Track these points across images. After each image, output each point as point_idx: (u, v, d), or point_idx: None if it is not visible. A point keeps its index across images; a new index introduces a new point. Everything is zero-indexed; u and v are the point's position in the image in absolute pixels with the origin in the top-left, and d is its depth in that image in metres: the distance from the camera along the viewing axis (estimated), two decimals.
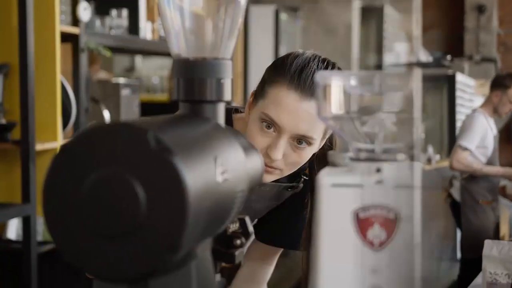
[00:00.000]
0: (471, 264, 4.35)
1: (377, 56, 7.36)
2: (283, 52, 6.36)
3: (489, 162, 4.45)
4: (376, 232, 0.70)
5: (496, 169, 4.49)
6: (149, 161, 0.63)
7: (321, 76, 0.73)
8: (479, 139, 4.37)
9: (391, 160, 0.72)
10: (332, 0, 5.44)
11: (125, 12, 3.10)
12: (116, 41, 3.09)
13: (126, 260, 0.64)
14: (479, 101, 8.36)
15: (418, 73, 0.71)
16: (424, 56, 5.64)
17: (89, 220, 0.64)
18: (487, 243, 1.99)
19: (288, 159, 1.29)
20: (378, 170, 0.71)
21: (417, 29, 5.50)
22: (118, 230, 0.63)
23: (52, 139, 2.56)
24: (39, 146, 2.47)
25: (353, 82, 0.73)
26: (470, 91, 7.48)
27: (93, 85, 3.16)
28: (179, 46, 0.85)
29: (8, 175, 2.53)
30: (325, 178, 0.71)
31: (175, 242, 0.63)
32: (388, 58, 5.24)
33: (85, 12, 2.71)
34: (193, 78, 0.82)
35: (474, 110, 4.62)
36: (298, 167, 1.32)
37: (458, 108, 6.94)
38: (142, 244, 0.63)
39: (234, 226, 0.91)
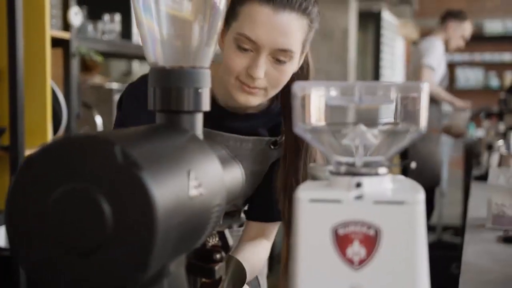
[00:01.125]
0: None
1: (375, 60, 7.37)
2: None
3: (440, 85, 4.53)
4: (355, 249, 0.67)
5: (450, 97, 4.59)
6: (116, 176, 0.60)
7: (299, 86, 0.71)
8: (438, 61, 4.43)
9: (372, 175, 0.69)
10: (329, 5, 5.42)
11: (117, 16, 3.08)
12: (108, 46, 3.06)
13: (93, 277, 0.61)
14: (400, 41, 8.54)
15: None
16: None
17: (54, 235, 0.61)
18: (493, 171, 1.88)
19: (270, 77, 1.26)
20: (358, 185, 0.69)
21: None
22: (84, 247, 0.61)
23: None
24: (28, 152, 2.43)
25: (333, 93, 0.71)
26: (393, 31, 7.64)
27: (86, 91, 3.14)
28: (156, 54, 0.82)
29: None
30: (304, 192, 0.68)
31: (144, 260, 0.60)
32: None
33: (76, 17, 2.68)
34: (170, 88, 0.80)
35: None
36: (281, 86, 1.29)
37: (382, 47, 7.12)
38: (109, 261, 0.60)
39: (213, 240, 0.88)
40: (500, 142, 3.16)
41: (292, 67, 1.27)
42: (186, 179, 0.67)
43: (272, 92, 1.28)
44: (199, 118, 0.82)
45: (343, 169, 0.70)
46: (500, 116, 4.22)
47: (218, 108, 1.37)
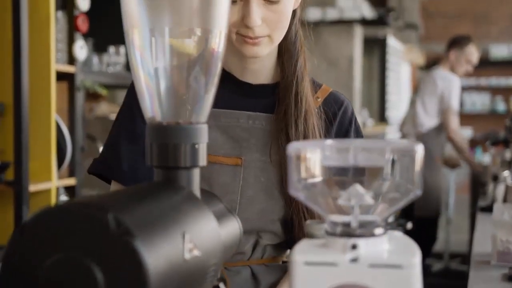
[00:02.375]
0: (423, 222, 4.36)
1: (380, 86, 7.39)
2: None
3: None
4: None
5: (472, 160, 4.62)
6: (109, 244, 0.60)
7: (293, 147, 0.71)
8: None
9: (368, 236, 0.69)
10: (334, 33, 5.44)
11: (123, 49, 3.10)
12: (113, 78, 3.08)
13: None
14: (405, 66, 8.58)
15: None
16: (368, 12, 5.66)
17: None
18: (497, 207, 1.85)
19: (269, 21, 1.18)
20: (354, 247, 0.68)
21: None
22: None
23: (47, 179, 2.53)
24: (33, 187, 2.44)
25: (327, 153, 0.71)
26: (398, 56, 7.67)
27: (91, 122, 3.15)
28: (153, 110, 0.82)
29: (1, 216, 2.50)
30: (299, 255, 0.68)
31: None
32: (331, 13, 5.27)
33: (81, 50, 2.70)
34: (167, 144, 0.80)
35: (430, 70, 4.87)
36: (284, 27, 1.21)
37: (387, 73, 7.16)
38: None
39: None
40: (506, 173, 3.14)
41: (289, 3, 1.20)
42: (181, 242, 0.67)
43: (277, 36, 1.21)
44: (196, 173, 0.82)
45: (338, 230, 0.70)
46: (506, 143, 4.20)
47: (234, 82, 1.30)
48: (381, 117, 7.33)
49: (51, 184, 2.55)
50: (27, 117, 2.41)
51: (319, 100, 1.30)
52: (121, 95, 3.71)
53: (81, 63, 2.75)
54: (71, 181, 2.74)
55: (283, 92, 1.26)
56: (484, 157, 8.69)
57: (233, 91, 1.29)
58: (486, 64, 9.96)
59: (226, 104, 1.27)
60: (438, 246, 6.08)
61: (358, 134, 1.30)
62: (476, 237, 2.36)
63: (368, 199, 0.70)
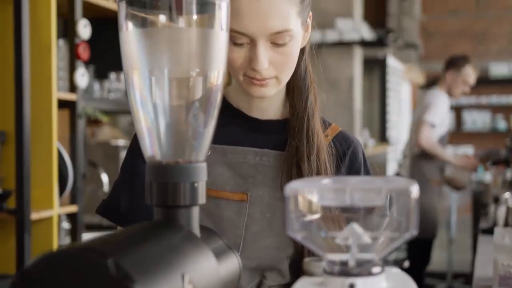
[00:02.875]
0: (417, 244, 4.34)
1: (381, 105, 7.42)
2: None
3: (440, 142, 4.50)
4: None
5: (448, 157, 4.58)
6: None
7: (291, 188, 0.72)
8: (441, 118, 4.43)
9: (366, 275, 0.69)
10: (334, 54, 5.48)
11: (123, 75, 3.12)
12: (114, 105, 3.10)
13: None
14: (406, 86, 8.61)
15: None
16: (367, 34, 5.68)
17: None
18: (498, 231, 1.85)
19: (276, 64, 1.17)
20: (352, 286, 0.69)
21: (357, 5, 5.53)
22: None
23: (49, 207, 2.54)
24: (34, 215, 2.45)
25: (325, 194, 0.72)
26: (398, 76, 7.69)
27: (92, 147, 3.16)
28: (152, 149, 0.83)
29: (3, 245, 2.51)
30: None
31: None
32: (330, 35, 5.30)
33: (82, 78, 2.72)
34: (166, 183, 0.81)
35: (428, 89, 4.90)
36: (291, 68, 1.19)
37: (387, 92, 7.17)
38: None
39: None
40: (507, 195, 3.14)
41: (296, 44, 1.18)
42: (180, 284, 0.68)
43: (285, 77, 1.20)
44: (196, 211, 0.82)
45: (336, 269, 0.71)
46: (507, 163, 4.20)
47: (242, 118, 1.29)
48: (382, 137, 7.35)
49: (52, 212, 2.56)
50: (29, 145, 2.42)
51: (328, 138, 1.29)
52: (123, 120, 3.74)
53: (82, 91, 2.77)
54: (72, 208, 2.75)
55: (294, 129, 1.26)
56: (486, 176, 8.70)
57: (241, 127, 1.29)
58: (486, 83, 10.00)
59: (234, 140, 1.27)
60: (441, 266, 6.06)
61: (368, 175, 1.29)
62: (478, 260, 2.36)
63: (366, 238, 0.71)
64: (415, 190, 0.70)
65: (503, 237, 1.92)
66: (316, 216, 0.73)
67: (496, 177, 4.37)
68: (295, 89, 1.28)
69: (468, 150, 10.16)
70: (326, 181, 0.75)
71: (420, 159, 4.48)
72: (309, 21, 1.25)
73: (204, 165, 0.83)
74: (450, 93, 4.57)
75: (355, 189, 0.71)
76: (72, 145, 2.72)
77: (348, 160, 1.29)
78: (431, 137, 4.35)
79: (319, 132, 1.26)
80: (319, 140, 1.25)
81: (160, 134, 0.83)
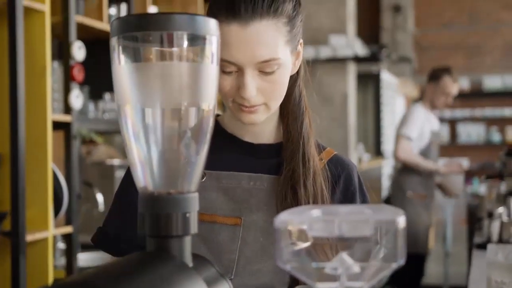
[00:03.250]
0: (408, 259, 4.29)
1: (375, 120, 7.45)
2: None
3: (423, 154, 4.51)
4: None
5: (432, 165, 4.54)
6: None
7: (280, 220, 0.73)
8: (418, 130, 4.44)
9: None
10: (328, 70, 5.51)
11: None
12: (108, 125, 3.11)
13: None
14: (400, 99, 8.64)
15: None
16: (361, 50, 5.72)
17: None
18: (491, 248, 1.85)
19: (264, 91, 1.18)
20: None
21: (350, 22, 5.55)
22: None
23: (44, 229, 2.54)
24: (30, 237, 2.45)
25: (313, 224, 0.73)
26: (392, 89, 7.72)
27: (87, 168, 3.17)
28: (145, 180, 0.85)
29: None
30: None
31: None
32: (324, 51, 5.34)
33: (77, 100, 2.73)
34: (159, 213, 0.82)
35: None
36: (281, 95, 1.21)
37: (382, 107, 7.20)
38: None
39: None
40: (501, 209, 3.16)
41: (285, 71, 1.20)
42: None
43: (274, 104, 1.22)
44: (188, 241, 0.84)
45: None
46: (501, 176, 4.22)
47: (236, 143, 1.31)
48: (377, 151, 7.37)
49: (48, 233, 2.56)
50: (24, 167, 2.43)
51: (323, 161, 1.30)
52: (118, 139, 3.74)
53: (77, 112, 2.79)
54: (68, 229, 2.75)
55: (290, 153, 1.27)
56: (480, 188, 8.72)
57: (236, 152, 1.30)
58: (480, 95, 10.06)
59: (228, 165, 1.28)
60: (437, 279, 6.06)
61: (365, 198, 1.31)
62: (472, 277, 2.37)
63: (355, 267, 0.73)
64: (401, 221, 0.71)
65: (496, 254, 1.93)
66: (306, 246, 0.74)
67: (490, 191, 4.38)
68: (290, 114, 1.29)
69: (463, 162, 10.18)
70: (315, 211, 0.76)
71: (401, 174, 4.51)
72: (300, 48, 1.26)
73: (195, 195, 0.85)
74: (433, 105, 4.59)
75: (344, 220, 0.73)
76: (67, 166, 2.73)
77: (342, 183, 1.30)
78: (408, 150, 4.38)
79: (314, 156, 1.28)
80: (315, 164, 1.26)
81: (152, 165, 0.84)
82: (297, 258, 0.74)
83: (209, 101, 0.85)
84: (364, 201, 1.31)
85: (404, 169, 4.46)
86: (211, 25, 0.83)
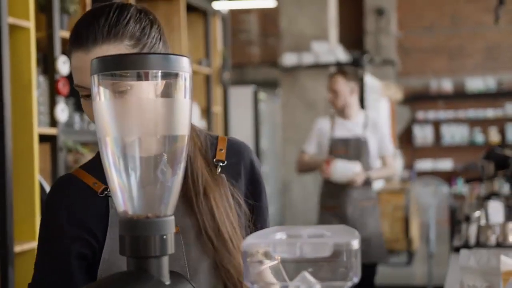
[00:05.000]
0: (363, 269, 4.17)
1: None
2: (264, 130, 6.53)
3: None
4: None
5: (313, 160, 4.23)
6: None
7: (247, 244, 0.81)
8: (314, 142, 4.23)
9: None
10: (310, 75, 5.59)
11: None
12: (94, 136, 3.18)
13: None
14: (384, 102, 8.75)
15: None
16: (343, 56, 5.73)
17: None
18: (463, 253, 1.92)
19: None
20: None
21: (332, 28, 5.61)
22: None
23: (32, 239, 2.60)
24: (18, 248, 2.51)
25: (277, 248, 0.81)
26: (376, 93, 7.82)
27: None
28: (125, 205, 0.92)
29: None
30: None
31: None
32: (307, 58, 5.33)
33: (62, 113, 2.80)
34: (138, 236, 0.89)
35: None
36: None
37: (366, 110, 7.28)
38: None
39: None
40: (477, 213, 3.23)
41: (141, 91, 1.20)
42: None
43: None
44: (165, 261, 0.91)
45: None
46: (481, 179, 4.30)
47: None
48: None
49: (35, 244, 2.62)
50: (11, 179, 2.49)
51: (222, 151, 1.36)
52: None
53: (62, 124, 2.85)
54: None
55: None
56: (464, 189, 8.84)
57: None
58: (463, 97, 10.20)
59: None
60: (422, 280, 6.16)
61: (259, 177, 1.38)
62: (448, 281, 2.44)
63: (316, 285, 0.80)
64: (355, 243, 0.79)
65: (468, 259, 2.00)
66: (270, 267, 0.82)
67: (471, 193, 4.46)
68: None
69: (447, 163, 10.33)
70: (279, 235, 0.84)
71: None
72: None
73: (172, 218, 0.92)
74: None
75: (305, 243, 0.80)
76: (53, 178, 2.79)
77: (246, 168, 1.37)
78: (300, 161, 4.26)
79: (203, 173, 1.31)
80: (204, 180, 1.30)
81: (131, 191, 0.91)
82: (262, 278, 0.82)
83: (183, 130, 0.92)
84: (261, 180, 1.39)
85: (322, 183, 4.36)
86: (183, 63, 0.90)
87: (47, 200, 1.32)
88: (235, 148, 1.38)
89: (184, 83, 0.90)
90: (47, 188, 2.71)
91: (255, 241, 0.81)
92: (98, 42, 1.20)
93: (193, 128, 1.34)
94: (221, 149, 1.36)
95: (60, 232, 1.27)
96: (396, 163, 4.33)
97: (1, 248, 2.45)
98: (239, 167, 1.37)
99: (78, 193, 1.30)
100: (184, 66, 0.90)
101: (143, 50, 1.24)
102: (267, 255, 0.82)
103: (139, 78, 0.90)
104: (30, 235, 2.61)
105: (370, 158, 4.18)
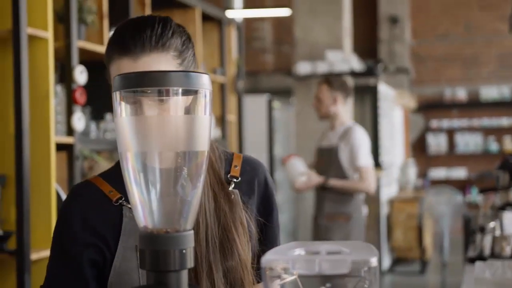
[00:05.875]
0: None
1: (373, 132, 7.53)
2: (278, 138, 6.54)
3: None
4: None
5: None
6: None
7: (266, 260, 0.82)
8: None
9: None
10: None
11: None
12: (110, 144, 3.20)
13: None
14: (397, 110, 8.72)
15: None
16: (357, 65, 5.73)
17: None
18: (479, 265, 1.92)
19: None
20: None
21: (347, 37, 5.61)
22: None
23: (48, 247, 2.62)
24: (34, 255, 2.54)
25: (296, 264, 0.82)
26: (390, 101, 7.80)
27: None
28: (145, 220, 0.93)
29: (4, 284, 2.59)
30: None
31: None
32: (321, 67, 5.34)
33: (79, 122, 2.82)
34: (157, 250, 0.91)
35: None
36: None
37: (379, 119, 7.28)
38: None
39: None
40: (492, 224, 3.22)
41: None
42: None
43: None
44: (185, 275, 0.92)
45: None
46: (496, 189, 4.28)
47: None
48: (375, 163, 7.44)
49: None
50: (28, 188, 2.52)
51: (237, 168, 1.38)
52: (117, 155, 3.83)
53: (79, 133, 2.87)
54: None
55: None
56: (478, 197, 8.79)
57: None
58: (477, 106, 10.16)
59: None
60: None
61: (272, 194, 1.40)
62: None
63: None
64: (374, 260, 0.80)
65: (483, 272, 2.01)
66: (290, 283, 0.83)
67: (486, 203, 4.44)
68: None
69: (461, 172, 10.29)
70: (298, 251, 0.85)
71: None
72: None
73: (191, 233, 0.93)
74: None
75: (324, 260, 0.81)
76: (70, 186, 2.82)
77: (259, 186, 1.39)
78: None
79: (212, 186, 1.33)
80: (212, 194, 1.31)
81: (151, 206, 0.93)
82: None
83: (203, 146, 0.94)
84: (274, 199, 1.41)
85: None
86: (204, 79, 0.92)
87: (62, 206, 1.34)
88: (250, 166, 1.40)
89: (204, 100, 0.92)
90: (63, 196, 2.73)
91: (274, 257, 0.82)
92: (146, 50, 1.23)
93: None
94: (235, 166, 1.38)
95: (74, 238, 1.28)
96: (371, 178, 4.04)
97: (17, 255, 2.47)
98: (253, 184, 1.38)
99: (93, 200, 1.32)
100: (205, 83, 0.92)
101: (183, 62, 1.28)
102: (286, 271, 0.83)
103: (160, 95, 0.91)
104: (46, 242, 2.63)
105: (343, 169, 4.08)
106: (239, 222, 1.31)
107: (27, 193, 2.50)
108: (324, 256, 0.81)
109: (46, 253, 2.63)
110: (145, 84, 0.90)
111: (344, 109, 4.22)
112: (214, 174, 1.34)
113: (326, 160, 4.13)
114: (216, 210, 1.31)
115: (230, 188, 1.34)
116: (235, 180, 1.35)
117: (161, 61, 1.24)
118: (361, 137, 4.11)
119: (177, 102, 0.91)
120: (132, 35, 1.23)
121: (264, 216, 1.38)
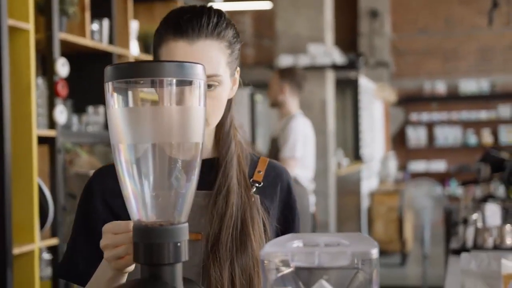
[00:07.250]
0: None
1: (354, 125, 7.56)
2: (260, 132, 6.53)
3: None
4: None
5: None
6: None
7: (265, 252, 0.80)
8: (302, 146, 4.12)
9: None
10: (307, 79, 5.58)
11: (101, 109, 3.19)
12: (92, 138, 3.17)
13: None
14: (378, 103, 8.78)
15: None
16: (339, 58, 5.75)
17: None
18: (464, 256, 1.92)
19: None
20: None
21: (328, 30, 5.62)
22: None
23: (30, 241, 2.60)
24: (16, 250, 2.50)
25: (295, 257, 0.80)
26: (370, 94, 7.85)
27: (71, 179, 3.21)
28: (139, 213, 0.92)
29: None
30: None
31: None
32: (303, 60, 5.36)
33: (61, 115, 2.79)
34: (152, 243, 0.89)
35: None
36: (219, 112, 1.28)
37: (360, 112, 7.33)
38: None
39: None
40: (475, 216, 3.24)
41: (224, 92, 1.28)
42: None
43: (213, 120, 1.28)
44: (179, 268, 0.91)
45: None
46: (476, 181, 4.30)
47: None
48: (356, 156, 7.48)
49: (34, 246, 2.61)
50: (10, 181, 2.48)
51: (260, 173, 1.37)
52: (99, 148, 3.78)
53: (61, 127, 2.84)
54: (53, 241, 2.81)
55: (215, 172, 1.33)
56: (457, 190, 8.86)
57: None
58: (456, 99, 10.23)
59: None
60: (416, 280, 6.18)
61: (294, 203, 1.39)
62: (447, 283, 2.44)
63: None
64: (374, 252, 0.79)
65: (469, 263, 2.00)
66: (288, 275, 0.82)
67: (466, 195, 4.47)
68: (220, 140, 1.35)
69: (440, 165, 10.37)
70: (296, 243, 0.84)
71: None
72: (237, 75, 1.34)
73: (186, 226, 0.92)
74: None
75: (323, 252, 0.80)
76: (52, 179, 2.79)
77: (282, 191, 1.39)
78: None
79: (233, 177, 1.32)
80: (235, 196, 1.31)
81: (145, 199, 0.91)
82: (280, 285, 0.81)
83: (197, 138, 0.92)
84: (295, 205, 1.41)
85: None
86: (198, 70, 0.90)
87: (86, 185, 1.35)
88: (274, 171, 1.39)
89: (198, 91, 0.90)
90: (46, 191, 2.70)
91: (272, 250, 0.81)
92: (202, 36, 1.24)
93: (239, 146, 1.36)
94: (259, 171, 1.38)
95: (95, 212, 1.30)
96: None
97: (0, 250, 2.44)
98: (276, 190, 1.38)
99: (113, 183, 1.30)
100: (199, 73, 0.90)
101: (232, 54, 1.29)
102: (284, 264, 0.82)
103: (153, 85, 0.90)
104: (29, 237, 2.60)
105: (281, 159, 3.99)
106: (256, 222, 1.31)
107: (8, 187, 2.46)
108: (323, 248, 0.80)
109: (29, 247, 2.59)
110: (138, 74, 0.88)
111: (292, 99, 4.20)
112: (240, 171, 1.34)
113: (272, 150, 4.14)
114: (239, 206, 1.30)
115: (251, 192, 1.34)
116: (257, 185, 1.35)
117: (215, 48, 1.25)
118: (296, 128, 4.05)
119: (171, 92, 0.89)
120: (190, 19, 1.25)
121: (286, 222, 1.39)
